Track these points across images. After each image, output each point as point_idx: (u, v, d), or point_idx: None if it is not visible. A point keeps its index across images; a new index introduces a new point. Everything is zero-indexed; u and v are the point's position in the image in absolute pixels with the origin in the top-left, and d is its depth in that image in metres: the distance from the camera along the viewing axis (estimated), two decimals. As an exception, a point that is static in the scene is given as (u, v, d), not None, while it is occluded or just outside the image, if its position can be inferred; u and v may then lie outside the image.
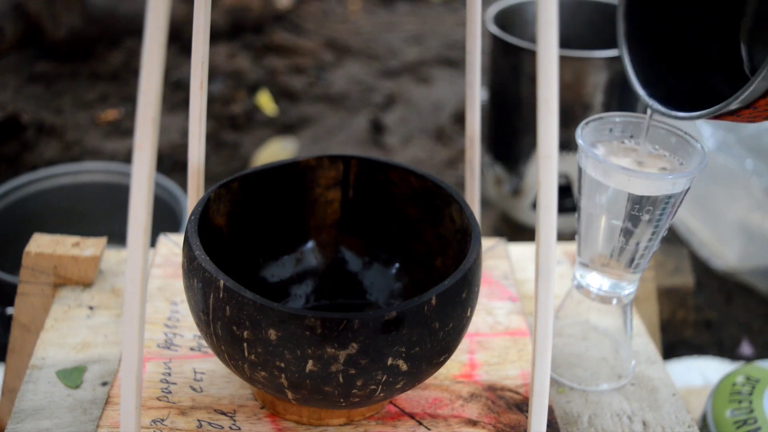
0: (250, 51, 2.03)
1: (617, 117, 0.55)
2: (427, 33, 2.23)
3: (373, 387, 0.47)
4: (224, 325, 0.46)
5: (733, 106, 0.46)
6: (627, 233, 0.53)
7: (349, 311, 0.56)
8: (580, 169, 0.53)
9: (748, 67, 0.53)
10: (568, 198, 1.22)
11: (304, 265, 0.62)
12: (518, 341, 0.61)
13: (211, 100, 1.75)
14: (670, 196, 0.51)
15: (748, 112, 0.47)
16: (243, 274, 0.58)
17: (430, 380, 0.57)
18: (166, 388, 0.55)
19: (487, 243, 0.72)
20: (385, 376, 0.47)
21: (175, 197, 1.24)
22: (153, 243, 0.72)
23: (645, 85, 0.53)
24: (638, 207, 0.51)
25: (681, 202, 0.52)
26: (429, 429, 0.53)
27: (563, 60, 1.10)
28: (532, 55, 1.15)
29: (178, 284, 0.65)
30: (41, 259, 0.64)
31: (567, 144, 1.19)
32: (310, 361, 0.45)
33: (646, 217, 0.52)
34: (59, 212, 1.28)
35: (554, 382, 0.60)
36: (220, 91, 1.83)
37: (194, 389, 0.55)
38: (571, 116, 1.17)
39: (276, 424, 0.53)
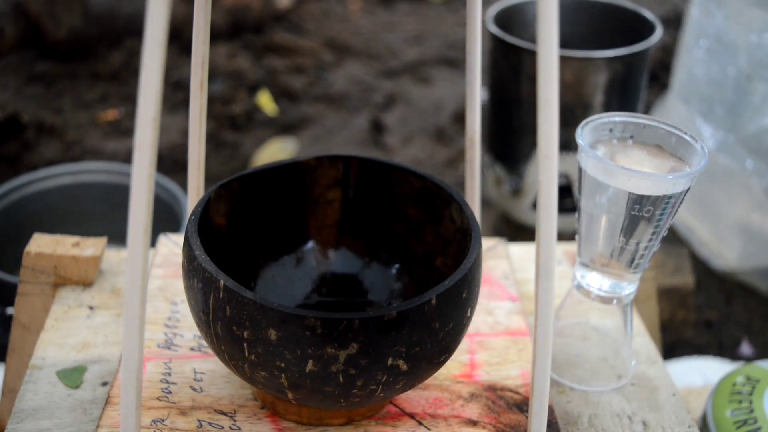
0: (250, 51, 2.03)
1: (617, 117, 0.55)
2: (427, 33, 2.23)
3: (373, 387, 0.47)
4: (224, 325, 0.46)
5: None
6: (627, 233, 0.53)
7: (349, 311, 0.56)
8: (580, 169, 0.53)
9: None
10: (568, 198, 1.22)
11: (304, 265, 0.62)
12: (518, 341, 0.61)
13: (211, 100, 1.75)
14: (670, 196, 0.51)
15: None
16: (243, 274, 0.58)
17: (430, 380, 0.57)
18: (166, 388, 0.55)
19: (487, 243, 0.71)
20: (385, 376, 0.46)
21: (175, 197, 1.24)
22: (153, 243, 0.72)
23: None
24: (638, 207, 0.51)
25: (681, 202, 0.52)
26: (429, 429, 0.53)
27: (563, 60, 1.10)
28: (532, 55, 1.15)
29: (178, 284, 0.65)
30: (41, 259, 0.64)
31: (567, 144, 1.19)
32: (310, 361, 0.45)
33: (646, 216, 0.52)
34: (59, 212, 1.28)
35: (554, 382, 0.59)
36: (220, 91, 1.83)
37: (194, 389, 0.55)
38: (571, 116, 1.17)
39: (276, 424, 0.53)
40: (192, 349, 0.59)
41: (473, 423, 0.54)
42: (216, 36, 2.00)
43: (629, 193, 0.51)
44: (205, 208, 0.53)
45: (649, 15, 1.22)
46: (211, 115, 1.73)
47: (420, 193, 0.59)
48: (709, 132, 1.32)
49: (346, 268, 0.62)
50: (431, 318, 0.46)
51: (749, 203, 1.27)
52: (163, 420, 0.53)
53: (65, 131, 1.69)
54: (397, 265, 0.61)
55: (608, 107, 1.17)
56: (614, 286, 0.56)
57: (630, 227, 0.52)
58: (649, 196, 0.51)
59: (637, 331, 0.65)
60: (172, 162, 1.60)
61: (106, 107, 1.80)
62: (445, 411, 0.55)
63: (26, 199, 1.27)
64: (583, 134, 0.53)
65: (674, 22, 2.12)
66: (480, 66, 0.61)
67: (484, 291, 0.66)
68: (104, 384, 0.57)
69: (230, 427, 0.53)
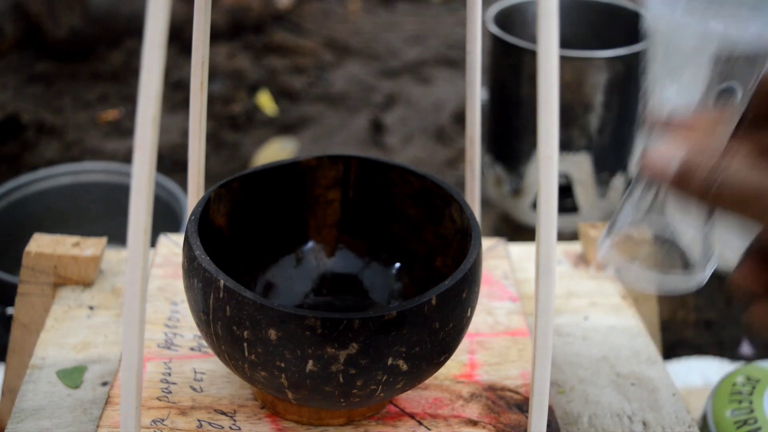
0: (250, 51, 2.04)
1: None
2: (427, 33, 2.23)
3: (373, 387, 0.47)
4: (224, 325, 0.46)
5: None
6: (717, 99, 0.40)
7: (349, 311, 0.56)
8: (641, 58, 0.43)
9: None
10: (568, 198, 1.22)
11: (304, 265, 0.62)
12: (518, 341, 0.61)
13: (211, 100, 1.75)
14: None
15: None
16: (243, 274, 0.58)
17: (430, 380, 0.57)
18: (166, 388, 0.55)
19: (487, 243, 0.71)
20: (385, 376, 0.46)
21: (175, 197, 1.24)
22: (153, 243, 0.72)
23: None
24: (728, 72, 0.40)
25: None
26: (429, 429, 0.53)
27: (563, 60, 1.10)
28: (532, 55, 1.15)
29: (178, 284, 0.65)
30: (41, 259, 0.64)
31: (567, 144, 1.19)
32: (310, 361, 0.45)
33: (739, 88, 0.40)
34: (59, 212, 1.28)
35: (554, 382, 0.59)
36: (220, 91, 1.83)
37: (194, 389, 0.55)
38: (571, 116, 1.17)
39: (276, 424, 0.53)
40: (192, 349, 0.59)
41: (473, 423, 0.54)
42: (216, 36, 2.00)
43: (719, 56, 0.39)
44: (205, 208, 0.53)
45: (649, 15, 1.22)
46: (211, 115, 1.73)
47: (420, 193, 0.59)
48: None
49: (346, 268, 0.62)
50: (431, 318, 0.46)
51: (749, 203, 1.27)
52: (163, 420, 0.53)
53: (65, 131, 1.69)
54: (397, 265, 0.61)
55: (608, 107, 1.17)
56: None
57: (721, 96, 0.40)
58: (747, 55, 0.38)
59: (636, 331, 0.65)
60: (172, 162, 1.60)
61: (106, 107, 1.80)
62: (445, 411, 0.55)
63: (26, 199, 1.27)
64: None
65: (674, 22, 2.12)
66: (480, 66, 0.61)
67: (484, 291, 0.66)
68: (104, 384, 0.57)
69: (230, 427, 0.53)
